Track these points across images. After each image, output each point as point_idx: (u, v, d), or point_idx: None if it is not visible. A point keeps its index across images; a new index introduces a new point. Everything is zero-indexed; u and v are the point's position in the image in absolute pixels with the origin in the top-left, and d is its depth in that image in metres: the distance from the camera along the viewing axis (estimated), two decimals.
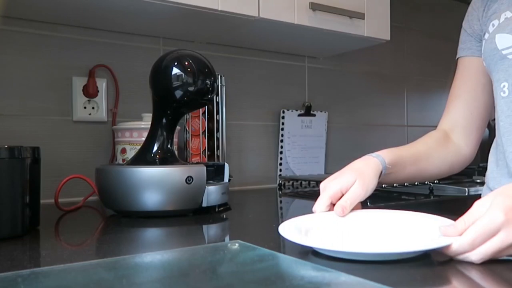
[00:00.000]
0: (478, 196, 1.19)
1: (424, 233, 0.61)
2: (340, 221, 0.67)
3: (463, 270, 0.51)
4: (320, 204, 0.70)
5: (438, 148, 0.88)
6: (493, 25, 0.84)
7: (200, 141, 1.28)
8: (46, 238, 0.74)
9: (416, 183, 1.24)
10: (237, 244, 0.59)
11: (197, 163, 1.08)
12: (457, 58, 0.95)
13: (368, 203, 1.07)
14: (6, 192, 0.69)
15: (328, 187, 0.71)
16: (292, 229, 0.60)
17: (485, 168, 0.90)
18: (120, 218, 0.91)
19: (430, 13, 2.11)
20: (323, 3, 1.28)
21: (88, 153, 1.26)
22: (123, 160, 1.16)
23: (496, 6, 0.86)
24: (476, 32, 0.91)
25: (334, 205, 0.69)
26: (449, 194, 1.21)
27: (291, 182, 1.58)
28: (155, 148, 0.94)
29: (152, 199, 0.86)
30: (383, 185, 1.19)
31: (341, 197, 0.70)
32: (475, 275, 0.50)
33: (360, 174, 0.72)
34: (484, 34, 0.87)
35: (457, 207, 1.17)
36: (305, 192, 1.40)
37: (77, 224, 0.88)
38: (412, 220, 0.66)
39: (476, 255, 0.51)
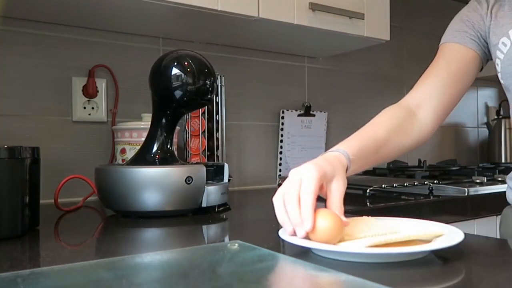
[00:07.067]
0: (478, 196, 1.20)
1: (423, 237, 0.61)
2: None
3: (463, 270, 0.51)
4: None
5: (400, 131, 0.84)
6: (504, 44, 0.83)
7: (199, 141, 1.28)
8: (45, 238, 0.74)
9: (415, 183, 1.24)
10: (236, 244, 0.59)
11: (197, 163, 1.08)
12: (444, 43, 0.92)
13: (368, 203, 1.07)
14: (6, 192, 0.69)
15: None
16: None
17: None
18: (120, 218, 0.91)
19: (429, 13, 2.11)
20: (323, 3, 1.28)
21: (88, 153, 1.26)
22: (123, 160, 1.16)
23: (501, 16, 0.85)
24: (476, 27, 0.89)
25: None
26: (449, 194, 1.21)
27: None
28: (155, 148, 0.94)
29: (151, 199, 0.86)
30: (383, 185, 1.19)
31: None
32: (475, 275, 0.51)
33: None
34: (495, 48, 0.85)
35: (457, 207, 1.17)
36: None
37: (76, 224, 0.88)
38: (411, 226, 0.66)
39: None
